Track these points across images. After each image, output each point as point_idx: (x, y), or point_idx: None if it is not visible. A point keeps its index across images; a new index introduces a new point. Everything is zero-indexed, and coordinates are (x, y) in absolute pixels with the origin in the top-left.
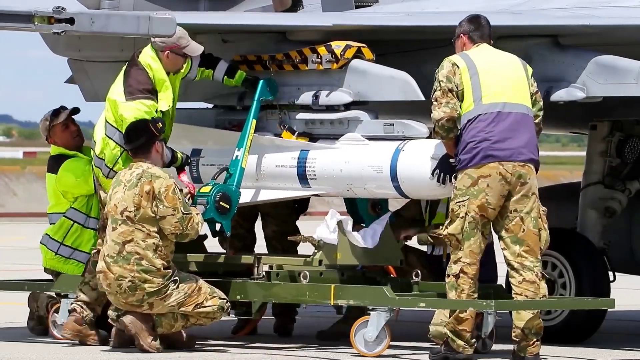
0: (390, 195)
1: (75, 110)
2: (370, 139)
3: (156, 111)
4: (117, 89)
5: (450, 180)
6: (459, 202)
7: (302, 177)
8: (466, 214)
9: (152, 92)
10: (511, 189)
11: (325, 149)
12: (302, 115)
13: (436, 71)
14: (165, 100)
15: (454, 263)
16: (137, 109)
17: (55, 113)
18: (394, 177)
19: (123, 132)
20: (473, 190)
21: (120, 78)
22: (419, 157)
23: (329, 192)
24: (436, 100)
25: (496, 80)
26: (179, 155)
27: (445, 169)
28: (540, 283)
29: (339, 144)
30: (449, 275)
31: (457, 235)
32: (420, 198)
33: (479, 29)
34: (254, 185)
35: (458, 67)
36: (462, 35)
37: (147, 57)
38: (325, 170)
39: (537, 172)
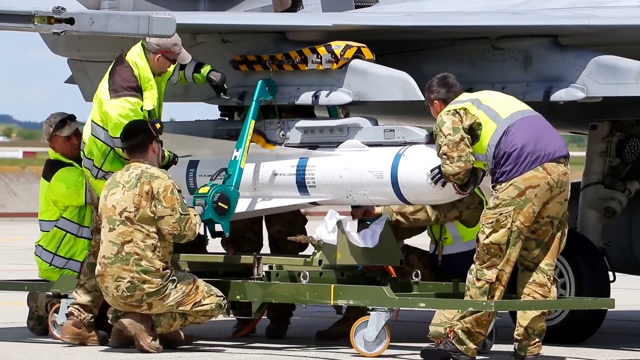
0: (391, 201)
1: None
2: (371, 145)
3: (141, 109)
4: (102, 87)
5: (444, 185)
6: (503, 212)
7: (301, 185)
8: (512, 224)
9: (137, 90)
10: (550, 198)
11: (324, 156)
12: (301, 123)
13: (435, 128)
14: (150, 100)
15: (488, 269)
16: (122, 107)
17: (62, 122)
18: (394, 182)
19: (108, 130)
20: (519, 201)
21: (106, 76)
22: (420, 161)
23: (328, 199)
24: (445, 155)
25: (500, 101)
26: (167, 153)
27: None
28: (552, 287)
29: (338, 150)
30: (479, 280)
31: (502, 245)
32: (421, 203)
33: (449, 90)
34: (252, 195)
35: (463, 109)
36: (435, 101)
37: (134, 55)
38: (324, 177)
39: None
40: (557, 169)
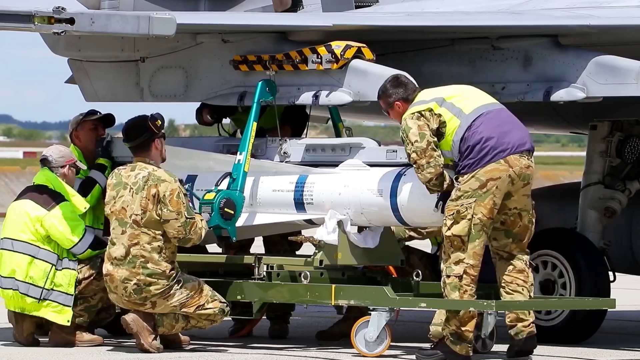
0: (388, 222)
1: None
2: (373, 165)
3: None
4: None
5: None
6: (464, 204)
7: (299, 202)
8: (473, 215)
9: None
10: (513, 190)
11: (324, 173)
12: (303, 141)
13: (401, 133)
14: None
15: (455, 264)
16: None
17: (93, 112)
18: (393, 201)
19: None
20: (480, 192)
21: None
22: (421, 183)
23: (324, 217)
24: (415, 164)
25: (464, 98)
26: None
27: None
28: (529, 272)
29: (339, 169)
30: (449, 276)
31: (463, 237)
32: (418, 225)
33: (407, 87)
34: (247, 211)
35: (428, 110)
36: (396, 102)
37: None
38: (323, 194)
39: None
40: (519, 162)
